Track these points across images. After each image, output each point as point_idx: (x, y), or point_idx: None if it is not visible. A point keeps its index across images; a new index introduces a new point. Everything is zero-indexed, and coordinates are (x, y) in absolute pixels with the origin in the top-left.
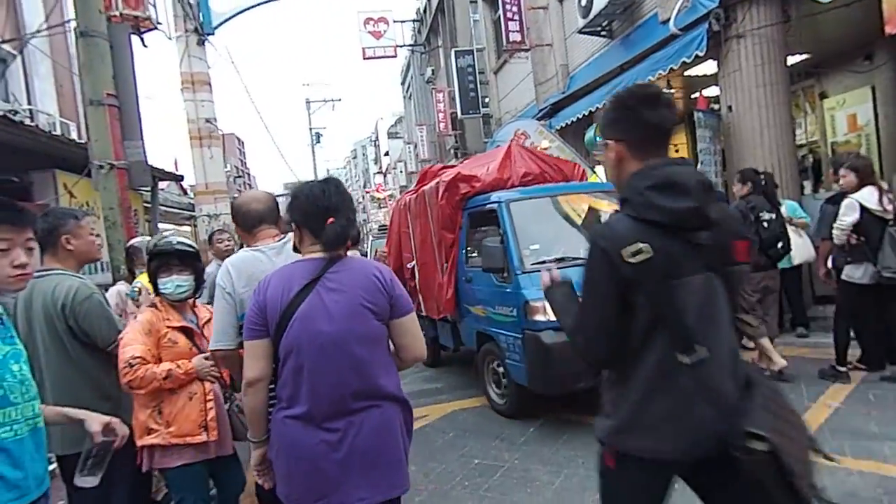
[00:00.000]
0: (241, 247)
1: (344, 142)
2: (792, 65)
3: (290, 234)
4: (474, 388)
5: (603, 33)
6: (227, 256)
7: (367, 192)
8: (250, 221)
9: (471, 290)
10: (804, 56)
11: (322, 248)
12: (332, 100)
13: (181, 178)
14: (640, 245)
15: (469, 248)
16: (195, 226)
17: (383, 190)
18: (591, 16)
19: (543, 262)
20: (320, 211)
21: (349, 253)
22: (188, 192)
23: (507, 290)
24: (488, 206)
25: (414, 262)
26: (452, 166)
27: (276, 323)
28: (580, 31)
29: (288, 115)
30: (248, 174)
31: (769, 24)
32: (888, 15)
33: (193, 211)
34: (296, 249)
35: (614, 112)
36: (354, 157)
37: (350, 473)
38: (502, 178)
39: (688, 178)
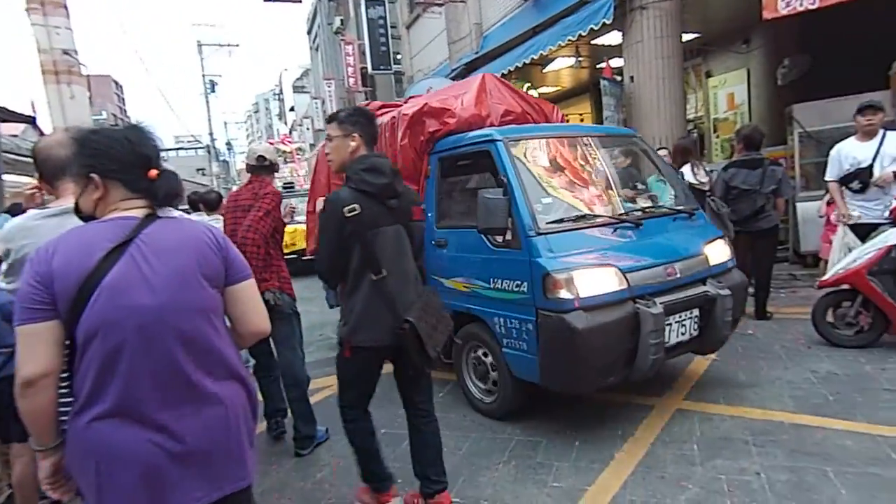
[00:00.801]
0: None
1: (245, 94)
2: (685, 42)
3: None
4: None
5: None
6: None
7: (271, 144)
8: (51, 170)
9: (443, 257)
10: (695, 35)
11: (151, 205)
12: (229, 45)
13: (32, 119)
14: (354, 205)
15: (441, 204)
16: None
17: (290, 141)
18: None
19: (562, 222)
20: (141, 159)
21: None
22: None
23: (512, 259)
24: (474, 146)
25: None
26: (395, 105)
27: (72, 298)
28: None
29: (178, 60)
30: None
31: None
32: (766, 1)
33: None
34: (77, 212)
35: (358, 115)
36: (256, 112)
37: (188, 472)
38: (481, 115)
39: (384, 165)
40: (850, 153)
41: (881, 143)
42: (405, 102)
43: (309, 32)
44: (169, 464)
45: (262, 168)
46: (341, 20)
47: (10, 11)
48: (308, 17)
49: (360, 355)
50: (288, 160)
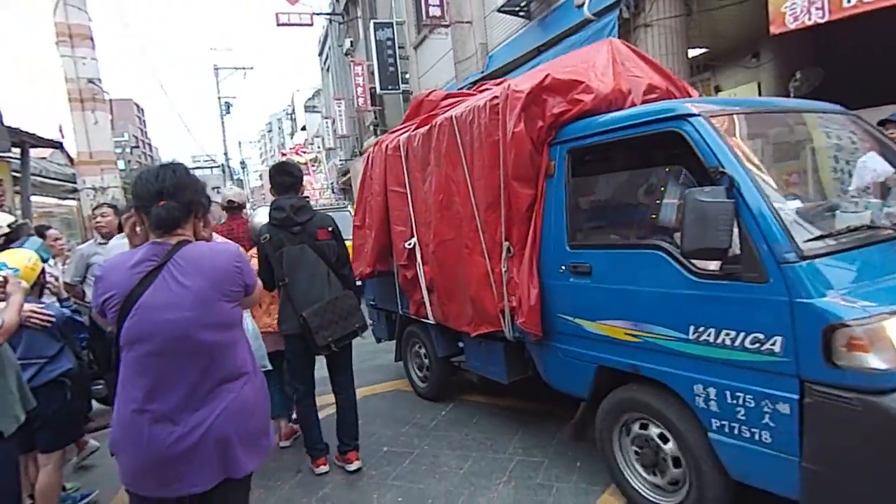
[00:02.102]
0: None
1: (258, 114)
2: (692, 57)
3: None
4: (384, 373)
5: (521, 13)
6: (106, 235)
7: (283, 155)
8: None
9: (585, 289)
10: (703, 50)
11: (152, 231)
12: (244, 67)
13: (59, 144)
14: (266, 234)
15: (575, 212)
16: (79, 199)
17: (304, 151)
18: None
19: (834, 238)
20: (151, 194)
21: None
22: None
23: (745, 298)
24: (642, 128)
25: (414, 239)
26: (464, 94)
27: (117, 311)
28: (499, 10)
29: (195, 83)
30: (149, 144)
31: (673, 16)
32: (773, 16)
33: (76, 182)
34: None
35: (270, 174)
36: (269, 131)
37: (196, 462)
38: (622, 90)
39: (285, 204)
40: None
41: None
42: (478, 90)
43: (320, 54)
44: (183, 452)
45: (232, 209)
46: (351, 42)
47: (40, 43)
48: (319, 39)
49: (288, 341)
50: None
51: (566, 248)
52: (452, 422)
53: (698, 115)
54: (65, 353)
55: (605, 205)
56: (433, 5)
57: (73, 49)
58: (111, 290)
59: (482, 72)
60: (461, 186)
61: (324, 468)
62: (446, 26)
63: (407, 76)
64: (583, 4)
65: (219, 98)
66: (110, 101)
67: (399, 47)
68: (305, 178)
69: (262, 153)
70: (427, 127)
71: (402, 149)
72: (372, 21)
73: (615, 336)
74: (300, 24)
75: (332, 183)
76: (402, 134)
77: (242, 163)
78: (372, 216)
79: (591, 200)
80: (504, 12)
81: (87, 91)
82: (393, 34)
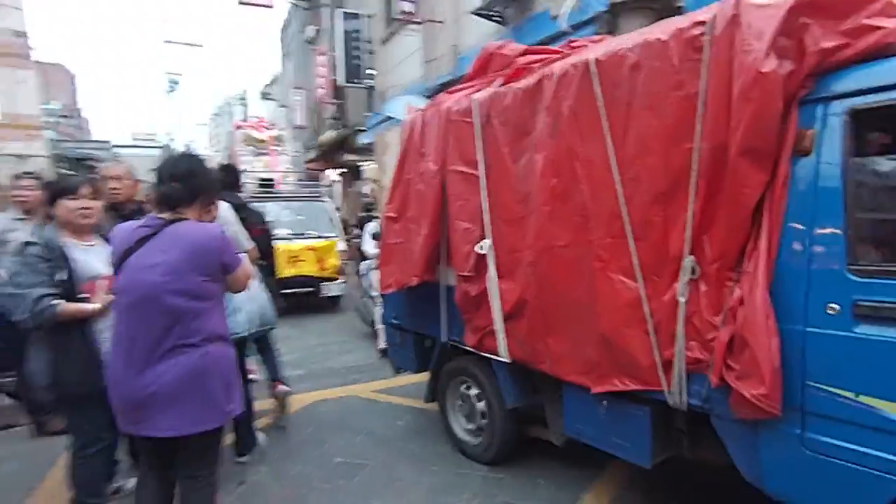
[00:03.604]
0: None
1: (209, 97)
2: None
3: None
4: (340, 376)
5: (496, 18)
6: (28, 210)
7: (238, 128)
8: None
9: (881, 346)
10: None
11: (156, 206)
12: (195, 44)
13: None
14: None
15: (860, 216)
16: None
17: (265, 127)
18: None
19: None
20: (165, 176)
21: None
22: None
23: None
24: None
25: (487, 241)
26: (554, 50)
27: (116, 264)
28: (473, 13)
29: (139, 56)
30: (79, 116)
31: None
32: None
33: None
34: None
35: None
36: (219, 115)
37: (160, 408)
38: None
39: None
40: None
41: None
42: (570, 47)
43: (281, 40)
44: (144, 398)
45: None
46: (316, 30)
47: None
48: (283, 24)
49: None
50: (261, 151)
51: (846, 273)
52: (409, 432)
53: None
54: None
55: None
56: (406, 1)
57: None
58: (115, 247)
59: (452, 74)
60: (596, 167)
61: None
62: (417, 23)
63: (372, 72)
64: (559, 17)
65: (165, 74)
66: (39, 62)
67: (367, 41)
68: (266, 158)
69: (211, 137)
70: (531, 79)
71: (477, 112)
72: (339, 10)
73: None
74: (261, 5)
75: (299, 167)
76: (473, 92)
77: (188, 145)
78: (419, 206)
79: (888, 193)
80: (479, 15)
81: (11, 46)
82: (360, 26)
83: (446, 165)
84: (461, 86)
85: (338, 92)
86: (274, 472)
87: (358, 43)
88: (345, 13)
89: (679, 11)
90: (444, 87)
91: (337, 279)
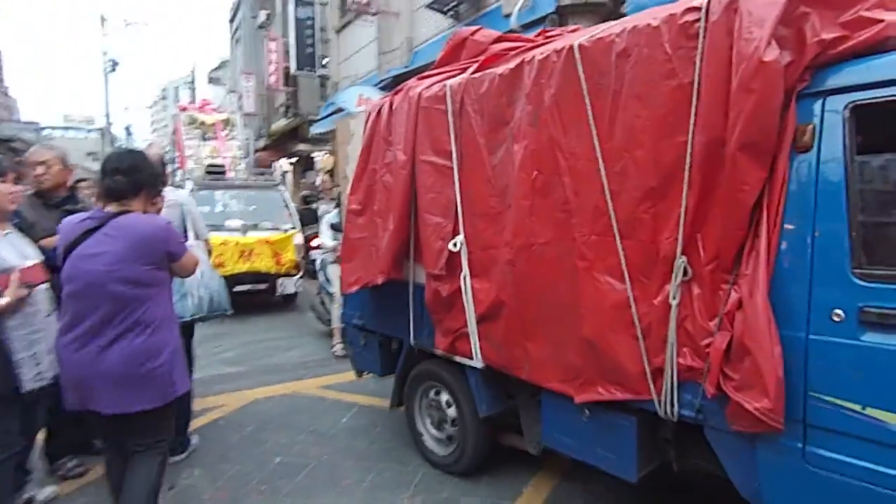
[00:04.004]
0: None
1: (153, 79)
2: None
3: None
4: (285, 372)
5: (450, 13)
6: None
7: (183, 110)
8: None
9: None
10: None
11: (101, 199)
12: (136, 22)
13: None
14: None
15: (866, 217)
16: None
17: (213, 109)
18: None
19: None
20: (109, 170)
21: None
22: None
23: None
24: None
25: (460, 237)
26: (527, 39)
27: (61, 256)
28: (427, 6)
29: (75, 33)
30: (6, 94)
31: None
32: None
33: None
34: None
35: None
36: (164, 99)
37: (105, 387)
38: None
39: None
40: None
41: None
42: (545, 36)
43: (231, 21)
44: (91, 377)
45: None
46: (268, 15)
47: None
48: (232, 6)
49: None
50: (208, 136)
51: (850, 276)
52: (354, 430)
53: None
54: None
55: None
56: None
57: None
58: (61, 239)
59: (406, 67)
60: (579, 160)
61: None
62: (373, 14)
63: (326, 60)
64: (510, 14)
65: (104, 54)
66: None
67: (321, 29)
68: (211, 143)
69: (154, 122)
70: (510, 65)
71: (450, 98)
72: None
73: None
74: None
75: (250, 155)
76: (445, 78)
77: (128, 128)
78: (386, 198)
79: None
80: (433, 9)
81: None
82: (314, 13)
83: (416, 155)
84: (431, 72)
85: (290, 80)
86: (209, 473)
87: (311, 30)
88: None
89: (623, 16)
90: (399, 79)
91: (294, 275)
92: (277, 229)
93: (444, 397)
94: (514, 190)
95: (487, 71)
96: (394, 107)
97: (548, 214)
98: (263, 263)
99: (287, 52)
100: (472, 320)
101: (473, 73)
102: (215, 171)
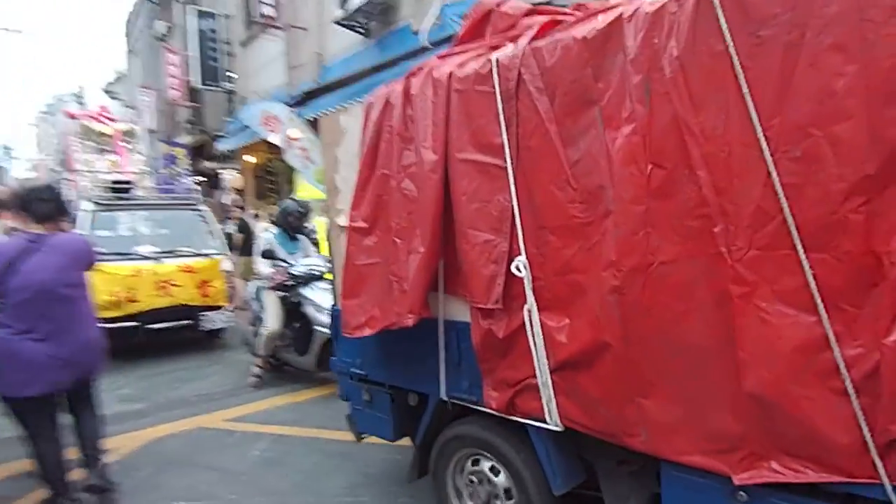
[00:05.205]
0: None
1: (38, 92)
2: None
3: None
4: (186, 406)
5: (360, 30)
6: None
7: (74, 117)
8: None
9: None
10: None
11: (56, 226)
12: (9, 29)
13: None
14: None
15: None
16: None
17: (109, 118)
18: (348, 10)
19: None
20: (40, 199)
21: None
22: None
23: None
24: None
25: (522, 257)
26: (565, 12)
27: (2, 273)
28: (336, 23)
29: None
30: None
31: None
32: None
33: None
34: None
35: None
36: (52, 114)
37: (64, 371)
38: None
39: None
40: None
41: None
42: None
43: (127, 34)
44: (51, 364)
45: None
46: (168, 26)
47: None
48: (128, 16)
49: None
50: (105, 147)
51: None
52: (267, 462)
53: None
54: None
55: None
56: (266, 4)
57: None
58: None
59: (316, 82)
60: (726, 144)
61: None
62: (280, 28)
63: (232, 75)
64: (419, 31)
65: None
66: None
67: (225, 42)
68: (109, 157)
69: (39, 140)
70: (595, 24)
71: (498, 76)
72: (192, 7)
73: None
74: None
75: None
76: (471, 59)
77: (6, 147)
78: (409, 212)
79: None
80: (342, 26)
81: None
82: (217, 26)
83: (450, 153)
84: (453, 50)
85: (193, 94)
86: None
87: (215, 44)
88: (199, 11)
89: None
90: (309, 95)
91: (222, 307)
92: (200, 254)
93: (488, 468)
94: (615, 192)
95: (558, 36)
96: (412, 93)
97: (674, 223)
98: (185, 295)
99: (189, 66)
100: (544, 369)
101: (544, 37)
102: (120, 189)
